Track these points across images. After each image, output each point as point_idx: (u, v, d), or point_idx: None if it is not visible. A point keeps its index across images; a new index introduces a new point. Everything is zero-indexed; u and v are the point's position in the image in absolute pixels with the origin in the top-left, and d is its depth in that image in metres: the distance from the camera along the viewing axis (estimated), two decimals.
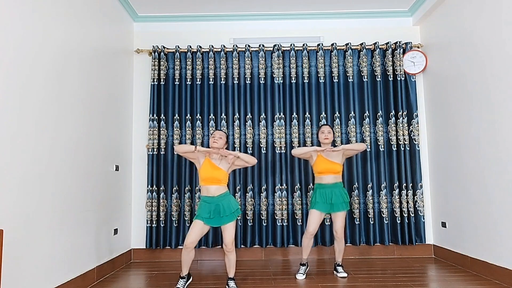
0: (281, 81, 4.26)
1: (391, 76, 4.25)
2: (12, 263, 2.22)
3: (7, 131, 2.20)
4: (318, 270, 3.59)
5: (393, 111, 4.22)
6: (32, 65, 2.45)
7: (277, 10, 4.34)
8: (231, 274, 2.99)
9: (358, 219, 4.08)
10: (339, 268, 3.37)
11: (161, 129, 4.19)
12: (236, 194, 4.11)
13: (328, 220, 4.09)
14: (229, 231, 2.91)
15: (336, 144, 4.12)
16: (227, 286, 2.97)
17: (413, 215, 4.10)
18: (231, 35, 4.46)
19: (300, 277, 3.28)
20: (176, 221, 4.09)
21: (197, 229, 2.86)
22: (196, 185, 4.13)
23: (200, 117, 4.21)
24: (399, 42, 4.25)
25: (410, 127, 4.19)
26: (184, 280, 2.98)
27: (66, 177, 2.85)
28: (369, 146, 4.17)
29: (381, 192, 4.13)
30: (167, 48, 4.31)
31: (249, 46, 4.29)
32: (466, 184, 3.52)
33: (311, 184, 4.14)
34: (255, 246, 4.14)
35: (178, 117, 4.21)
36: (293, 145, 4.17)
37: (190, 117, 4.21)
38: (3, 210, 2.15)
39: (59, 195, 2.74)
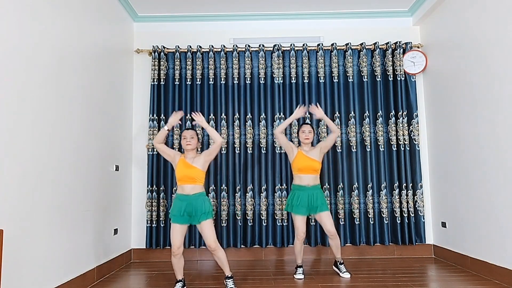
0: (281, 81, 4.26)
1: (391, 76, 4.25)
2: (12, 263, 2.22)
3: (6, 132, 2.20)
4: (318, 270, 3.59)
5: (393, 111, 4.22)
6: (31, 65, 2.45)
7: (277, 10, 4.34)
8: (226, 271, 2.98)
9: (358, 219, 4.08)
10: (341, 267, 3.37)
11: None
12: (236, 194, 4.11)
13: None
14: (207, 232, 2.90)
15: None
16: (226, 287, 2.97)
17: (413, 215, 4.10)
18: (231, 35, 4.46)
19: (300, 276, 3.28)
20: None
21: (177, 233, 2.88)
22: None
23: None
24: (399, 42, 4.26)
25: (410, 127, 4.19)
26: (181, 282, 2.98)
27: (66, 177, 2.85)
28: (369, 146, 4.17)
29: (381, 192, 4.13)
30: (167, 48, 4.31)
31: (249, 46, 4.29)
32: (466, 184, 3.52)
33: None
34: (255, 246, 4.14)
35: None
36: (294, 143, 4.17)
37: (190, 117, 4.21)
38: (3, 210, 2.15)
39: (59, 195, 2.74)
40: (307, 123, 3.45)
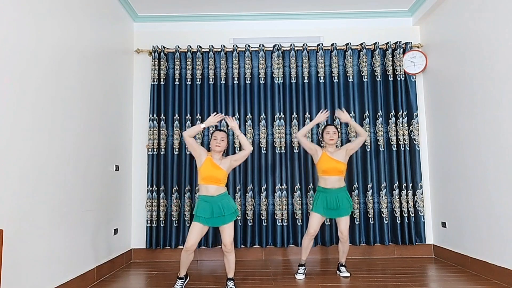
0: (281, 81, 4.26)
1: (391, 76, 4.25)
2: (12, 263, 2.22)
3: (6, 132, 2.20)
4: (318, 270, 3.59)
5: (393, 111, 4.22)
6: (31, 65, 2.45)
7: (277, 10, 4.34)
8: (230, 274, 2.98)
9: (358, 219, 4.08)
10: (342, 268, 3.37)
11: (161, 129, 4.19)
12: (236, 194, 4.11)
13: (328, 221, 4.09)
14: (228, 232, 2.90)
15: (337, 145, 4.11)
16: (226, 287, 2.97)
17: (413, 215, 4.10)
18: (231, 35, 4.46)
19: (300, 277, 3.28)
20: (176, 221, 4.09)
21: (196, 231, 2.86)
22: (196, 185, 4.13)
23: (200, 117, 4.22)
24: (399, 42, 4.26)
25: (410, 127, 4.19)
26: (182, 280, 2.98)
27: (66, 177, 2.85)
28: (369, 146, 4.17)
29: (381, 192, 4.12)
30: (167, 48, 4.31)
31: (249, 46, 4.29)
32: (466, 184, 3.52)
33: (311, 184, 4.13)
34: (255, 246, 4.14)
35: (178, 117, 4.21)
36: (293, 145, 4.18)
37: (190, 117, 4.21)
38: (3, 210, 2.15)
39: (59, 195, 2.74)
40: (331, 124, 3.44)
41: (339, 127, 4.18)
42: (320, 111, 3.48)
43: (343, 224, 3.29)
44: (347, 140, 4.19)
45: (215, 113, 3.16)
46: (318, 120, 3.39)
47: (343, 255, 3.39)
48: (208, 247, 4.11)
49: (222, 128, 4.14)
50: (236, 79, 4.26)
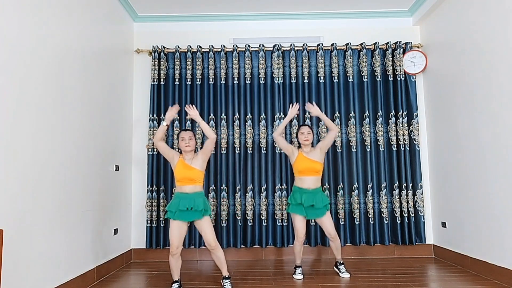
0: (281, 81, 4.26)
1: (391, 76, 4.25)
2: (12, 263, 2.22)
3: (6, 132, 2.20)
4: (318, 270, 3.59)
5: (393, 111, 4.22)
6: (32, 66, 2.45)
7: (277, 10, 4.34)
8: (224, 272, 2.98)
9: (358, 219, 4.08)
10: (341, 267, 3.37)
11: None
12: (236, 194, 4.11)
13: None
14: (207, 230, 2.90)
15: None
16: (222, 286, 2.97)
17: (413, 215, 4.10)
18: (231, 35, 4.46)
19: (299, 276, 3.28)
20: None
21: (176, 233, 2.87)
22: None
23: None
24: (399, 42, 4.25)
25: (410, 127, 4.19)
26: (178, 283, 2.98)
27: (66, 177, 2.85)
28: (369, 146, 4.17)
29: (381, 192, 4.12)
30: (167, 48, 4.31)
31: (249, 46, 4.29)
32: (466, 184, 3.52)
33: None
34: (255, 246, 4.14)
35: (178, 117, 4.21)
36: (293, 145, 4.17)
37: (190, 117, 4.21)
38: (3, 210, 2.15)
39: (59, 195, 2.74)
40: (306, 124, 3.44)
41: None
42: (290, 105, 3.48)
43: (327, 224, 3.28)
44: (347, 141, 4.19)
45: (170, 106, 3.19)
46: (291, 115, 3.36)
47: (337, 252, 3.39)
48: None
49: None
50: (236, 79, 4.26)
